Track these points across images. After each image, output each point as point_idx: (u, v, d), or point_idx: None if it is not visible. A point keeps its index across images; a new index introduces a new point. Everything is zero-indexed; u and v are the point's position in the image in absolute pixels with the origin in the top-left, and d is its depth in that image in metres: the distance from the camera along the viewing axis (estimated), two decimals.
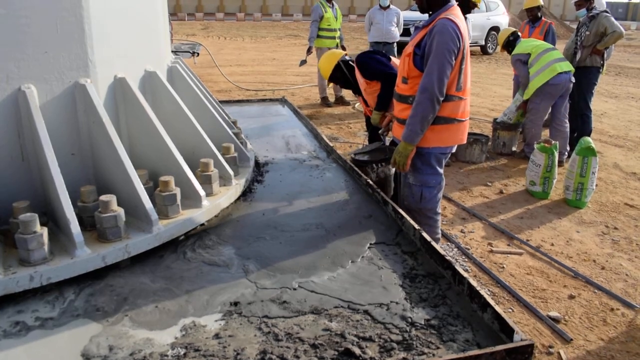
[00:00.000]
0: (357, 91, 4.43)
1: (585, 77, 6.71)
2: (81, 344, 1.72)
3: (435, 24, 2.96)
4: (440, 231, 3.64)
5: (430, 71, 2.94)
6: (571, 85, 6.36)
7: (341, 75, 4.18)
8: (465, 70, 3.07)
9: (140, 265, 2.23)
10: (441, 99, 2.98)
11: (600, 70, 6.83)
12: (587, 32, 6.71)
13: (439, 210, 3.48)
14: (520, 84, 6.76)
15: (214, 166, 2.77)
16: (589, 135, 6.98)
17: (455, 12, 3.02)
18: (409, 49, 3.14)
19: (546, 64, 6.24)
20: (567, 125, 6.66)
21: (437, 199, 3.39)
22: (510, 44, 6.93)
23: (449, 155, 3.37)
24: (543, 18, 8.00)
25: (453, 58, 2.93)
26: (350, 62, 4.47)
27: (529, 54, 6.44)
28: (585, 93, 6.80)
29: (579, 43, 6.81)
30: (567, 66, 6.27)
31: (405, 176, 3.34)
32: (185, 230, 2.47)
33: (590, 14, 6.81)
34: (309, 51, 9.54)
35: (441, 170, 3.31)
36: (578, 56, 6.73)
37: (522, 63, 6.51)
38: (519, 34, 7.08)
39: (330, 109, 9.72)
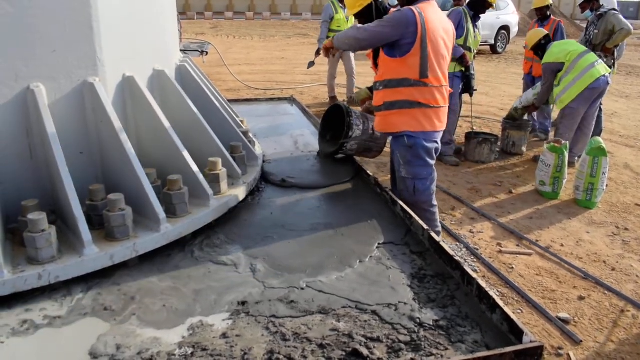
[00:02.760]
0: None
1: None
2: (89, 343, 1.72)
3: None
4: (439, 224, 3.72)
5: (363, 29, 3.21)
6: (608, 87, 6.17)
7: (368, 13, 4.08)
8: (430, 59, 3.13)
9: (148, 264, 2.23)
10: (355, 47, 3.35)
11: (612, 69, 6.76)
12: (596, 31, 6.66)
13: (435, 202, 3.56)
14: (541, 92, 6.49)
15: (222, 165, 2.77)
16: (599, 135, 6.91)
17: (422, 5, 3.15)
18: None
19: (584, 69, 6.00)
20: (592, 128, 6.53)
21: (430, 191, 3.48)
22: (541, 47, 6.56)
23: (438, 146, 3.41)
24: (552, 17, 7.91)
25: (384, 35, 3.13)
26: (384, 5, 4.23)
27: (563, 63, 6.12)
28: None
29: (588, 42, 6.74)
30: (604, 69, 6.06)
31: (399, 171, 3.43)
32: (193, 229, 2.46)
33: (598, 13, 6.75)
34: (317, 53, 9.04)
35: (431, 162, 3.39)
36: None
37: (553, 72, 6.20)
38: (550, 37, 6.73)
39: None
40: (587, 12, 6.94)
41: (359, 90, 4.17)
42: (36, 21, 2.13)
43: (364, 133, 3.60)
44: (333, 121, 3.85)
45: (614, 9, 6.74)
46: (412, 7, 3.11)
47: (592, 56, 6.11)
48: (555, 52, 6.23)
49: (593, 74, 5.96)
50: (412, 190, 3.40)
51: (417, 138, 3.27)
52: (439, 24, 3.19)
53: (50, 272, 1.96)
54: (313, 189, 3.18)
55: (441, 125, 3.37)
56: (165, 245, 2.32)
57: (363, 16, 4.13)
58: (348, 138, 3.53)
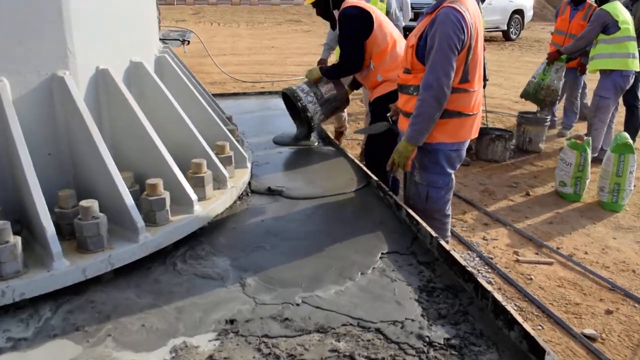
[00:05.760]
0: (335, 26, 4.43)
1: None
2: None
3: (437, 14, 2.97)
4: (449, 234, 3.67)
5: (433, 67, 2.96)
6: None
7: (325, 6, 4.26)
8: (474, 60, 3.06)
9: (125, 278, 2.22)
10: (447, 94, 3.00)
11: None
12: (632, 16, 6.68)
13: (448, 212, 3.49)
14: (576, 40, 6.56)
15: (207, 167, 2.76)
16: (637, 127, 6.99)
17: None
18: (412, 40, 3.17)
19: (624, 53, 6.12)
20: (613, 119, 6.81)
21: (445, 200, 3.40)
22: None
23: (463, 153, 3.36)
24: (588, 1, 7.42)
25: (456, 52, 2.95)
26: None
27: (618, 28, 6.16)
28: (635, 83, 6.80)
29: None
30: (637, 65, 6.23)
31: (412, 174, 3.36)
32: (175, 239, 2.46)
33: None
34: (320, 63, 7.15)
35: (451, 171, 3.32)
36: None
37: (602, 24, 6.21)
38: None
39: None
40: None
41: (311, 69, 4.39)
42: None
43: (319, 103, 4.15)
44: (292, 107, 4.33)
45: None
46: (457, 7, 2.92)
47: (635, 46, 6.20)
48: (619, 8, 6.24)
49: (629, 64, 6.10)
50: (424, 198, 3.33)
51: (440, 144, 3.20)
52: (478, 20, 3.05)
53: (15, 288, 1.95)
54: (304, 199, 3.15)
55: (475, 133, 3.29)
56: (144, 257, 2.31)
57: (319, 6, 4.31)
58: (310, 120, 4.10)
